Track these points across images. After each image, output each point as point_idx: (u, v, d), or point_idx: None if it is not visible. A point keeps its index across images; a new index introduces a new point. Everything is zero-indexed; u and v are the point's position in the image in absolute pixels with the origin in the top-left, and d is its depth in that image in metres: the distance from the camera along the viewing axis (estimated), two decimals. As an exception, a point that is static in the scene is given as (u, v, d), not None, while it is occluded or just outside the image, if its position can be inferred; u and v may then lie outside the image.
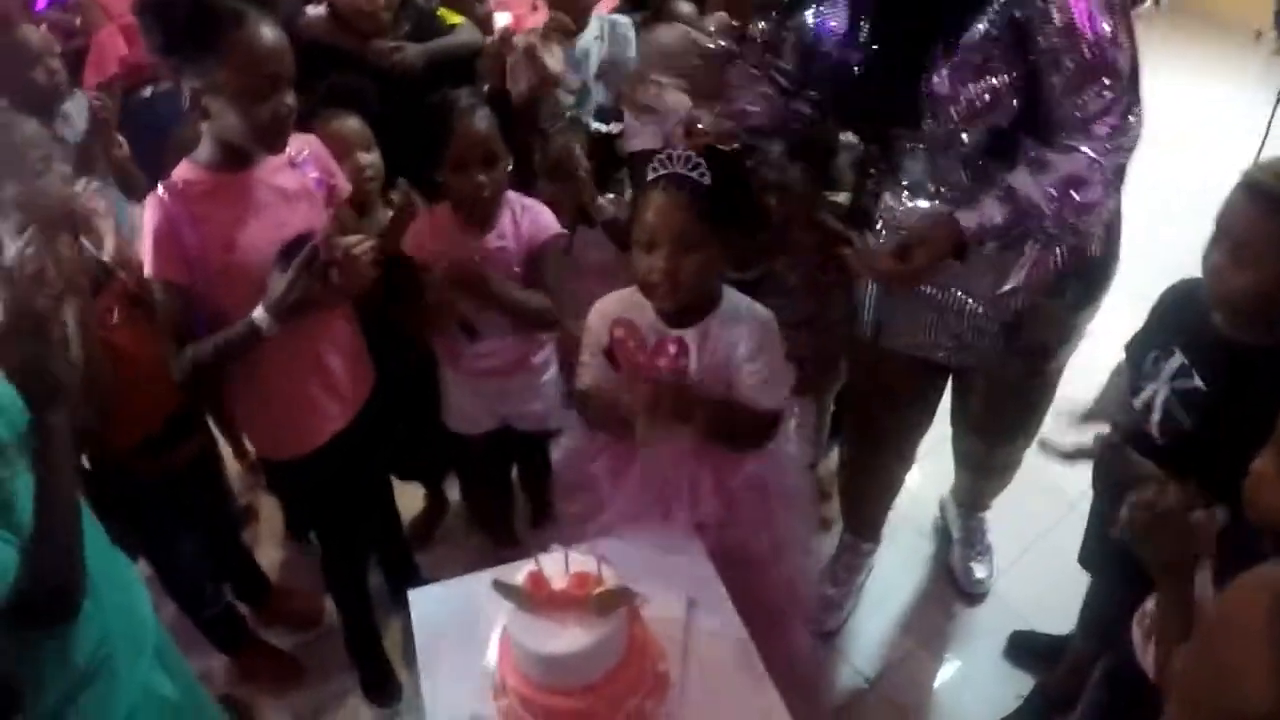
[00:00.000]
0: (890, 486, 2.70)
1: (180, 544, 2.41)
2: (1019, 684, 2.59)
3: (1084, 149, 1.79)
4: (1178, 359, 1.76)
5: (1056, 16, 1.72)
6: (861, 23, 1.93)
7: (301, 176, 2.05)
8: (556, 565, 1.51)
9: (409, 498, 3.09)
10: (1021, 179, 1.81)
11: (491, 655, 1.63)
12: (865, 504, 2.77)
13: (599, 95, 2.91)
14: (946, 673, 2.70)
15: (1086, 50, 1.74)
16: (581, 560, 1.52)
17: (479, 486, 2.93)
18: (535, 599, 1.46)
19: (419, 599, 1.87)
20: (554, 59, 2.75)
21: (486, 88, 2.49)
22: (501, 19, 3.20)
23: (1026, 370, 2.24)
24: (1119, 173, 1.87)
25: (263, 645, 2.71)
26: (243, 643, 2.67)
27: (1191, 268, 1.74)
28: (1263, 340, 1.65)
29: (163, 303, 1.95)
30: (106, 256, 2.05)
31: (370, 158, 2.41)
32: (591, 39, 2.90)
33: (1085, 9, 1.72)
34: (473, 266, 2.23)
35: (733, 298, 1.92)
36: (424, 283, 2.27)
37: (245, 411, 2.19)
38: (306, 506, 2.44)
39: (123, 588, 1.69)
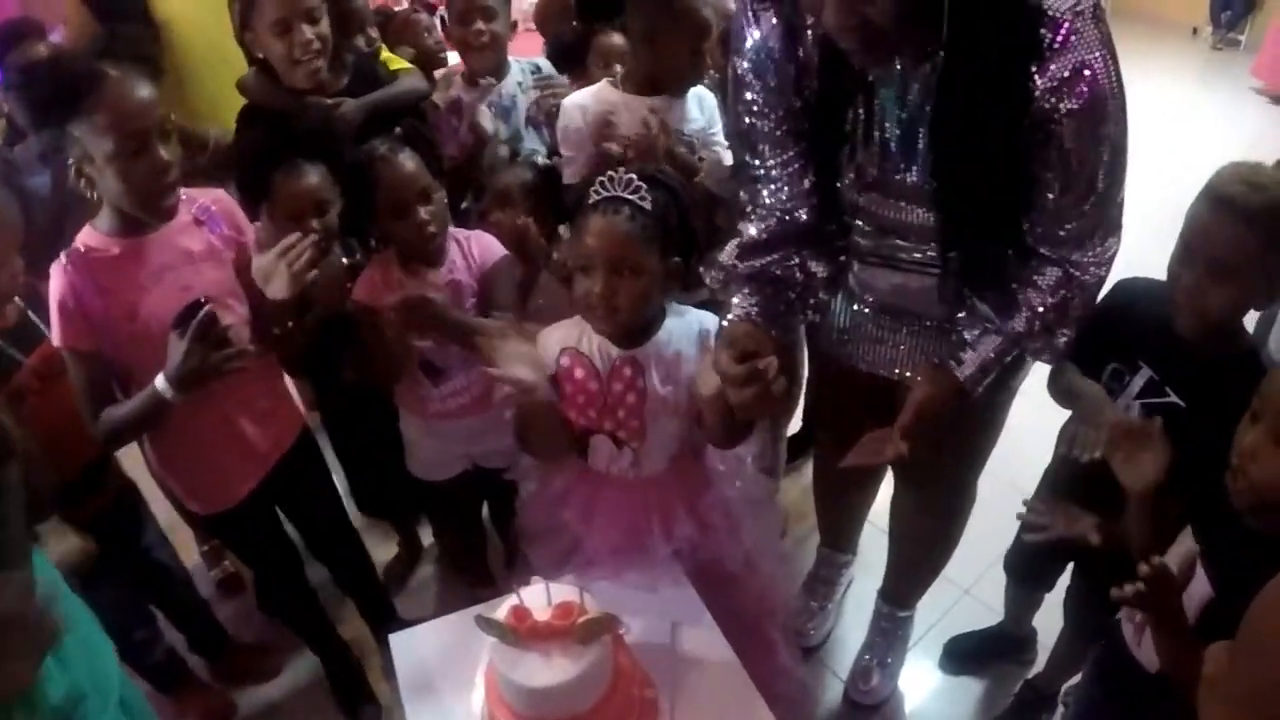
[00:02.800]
0: (864, 499, 2.69)
1: (99, 591, 2.38)
2: (1006, 684, 2.61)
3: (1070, 268, 1.69)
4: (1145, 373, 1.74)
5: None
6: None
7: (207, 236, 2.04)
8: (538, 597, 1.50)
9: (385, 545, 3.09)
10: (1013, 317, 1.75)
11: (478, 693, 1.62)
12: (840, 516, 2.76)
13: (531, 141, 2.91)
14: (933, 678, 2.71)
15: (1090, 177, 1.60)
16: (563, 591, 1.51)
17: (451, 529, 2.90)
18: (519, 632, 1.45)
19: (399, 643, 1.84)
20: (486, 119, 2.79)
21: (399, 130, 2.41)
22: (453, 57, 3.20)
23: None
24: (1100, 286, 1.76)
25: (197, 685, 2.69)
26: (178, 685, 2.64)
27: (1136, 267, 1.73)
28: (1230, 349, 1.65)
29: (73, 370, 1.94)
30: None
31: (324, 221, 2.29)
32: (514, 84, 2.90)
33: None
34: (419, 297, 2.20)
35: (677, 308, 1.92)
36: (378, 327, 2.25)
37: (164, 467, 2.18)
38: (243, 554, 2.43)
39: (85, 640, 1.65)
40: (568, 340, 1.92)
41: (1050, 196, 1.60)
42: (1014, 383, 2.04)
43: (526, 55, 3.03)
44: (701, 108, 2.57)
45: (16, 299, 2.02)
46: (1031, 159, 1.56)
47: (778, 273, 1.91)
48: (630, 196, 1.75)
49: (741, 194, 1.95)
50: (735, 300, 1.87)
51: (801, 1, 1.53)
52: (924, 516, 2.42)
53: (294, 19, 2.38)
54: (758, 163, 1.86)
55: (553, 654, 1.45)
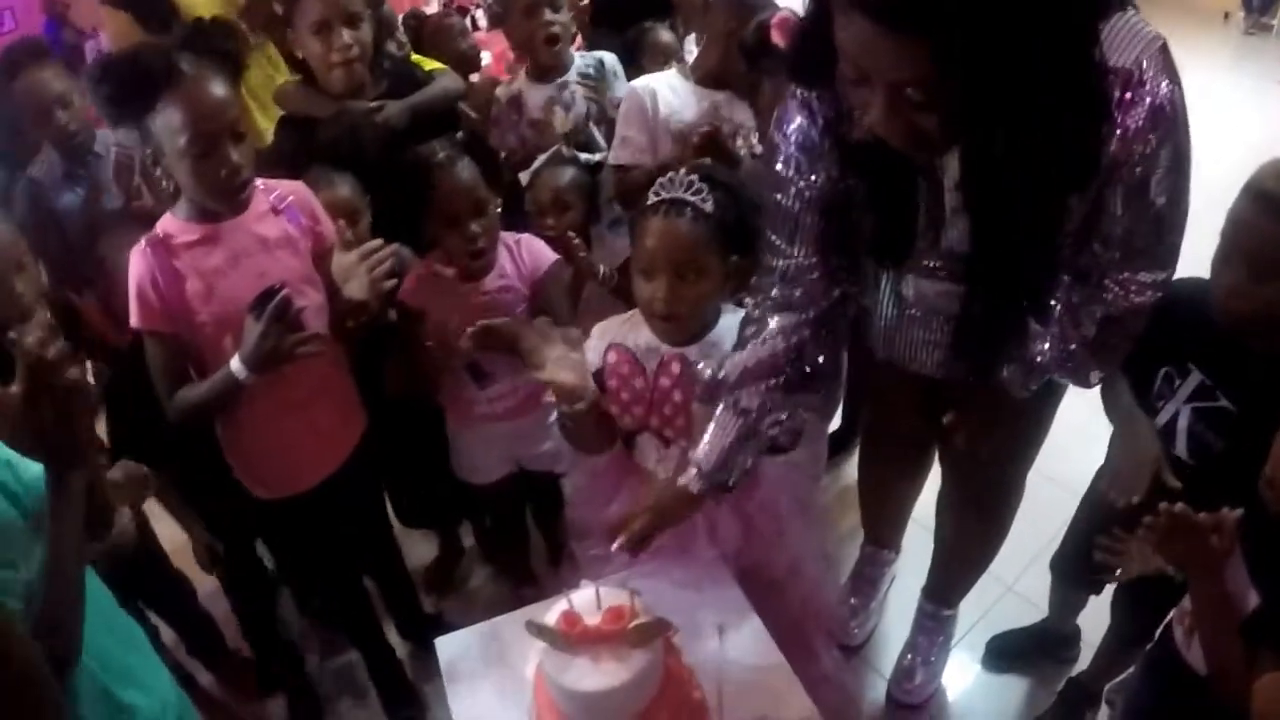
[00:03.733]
0: (908, 494, 2.67)
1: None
2: (1050, 682, 2.58)
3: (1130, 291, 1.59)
4: (1196, 377, 1.71)
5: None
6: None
7: (284, 224, 2.06)
8: (588, 602, 1.49)
9: (426, 545, 3.10)
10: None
11: (526, 697, 1.62)
12: (885, 514, 2.75)
13: (597, 137, 2.91)
14: (976, 676, 2.69)
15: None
16: (614, 595, 1.50)
17: (494, 530, 2.91)
18: (570, 637, 1.44)
19: (446, 646, 1.84)
20: (559, 120, 2.82)
21: (460, 134, 2.44)
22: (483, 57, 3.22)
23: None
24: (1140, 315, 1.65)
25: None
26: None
27: (1191, 266, 1.67)
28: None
29: (151, 351, 1.99)
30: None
31: (357, 230, 2.32)
32: (577, 77, 2.91)
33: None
34: (499, 329, 2.18)
35: (733, 308, 1.91)
36: (421, 333, 2.26)
37: (233, 450, 2.19)
38: (297, 546, 2.45)
39: (149, 659, 1.69)
40: (615, 336, 1.92)
41: (1110, 226, 1.50)
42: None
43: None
44: None
45: (47, 315, 2.07)
46: (1098, 201, 1.48)
47: (762, 403, 1.76)
48: (692, 198, 1.74)
49: (748, 304, 1.83)
50: (709, 433, 1.77)
51: (848, 99, 1.41)
52: (971, 514, 2.40)
53: (335, 20, 2.39)
54: (774, 257, 1.73)
55: (603, 658, 1.44)
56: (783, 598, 1.98)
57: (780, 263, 1.71)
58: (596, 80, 2.91)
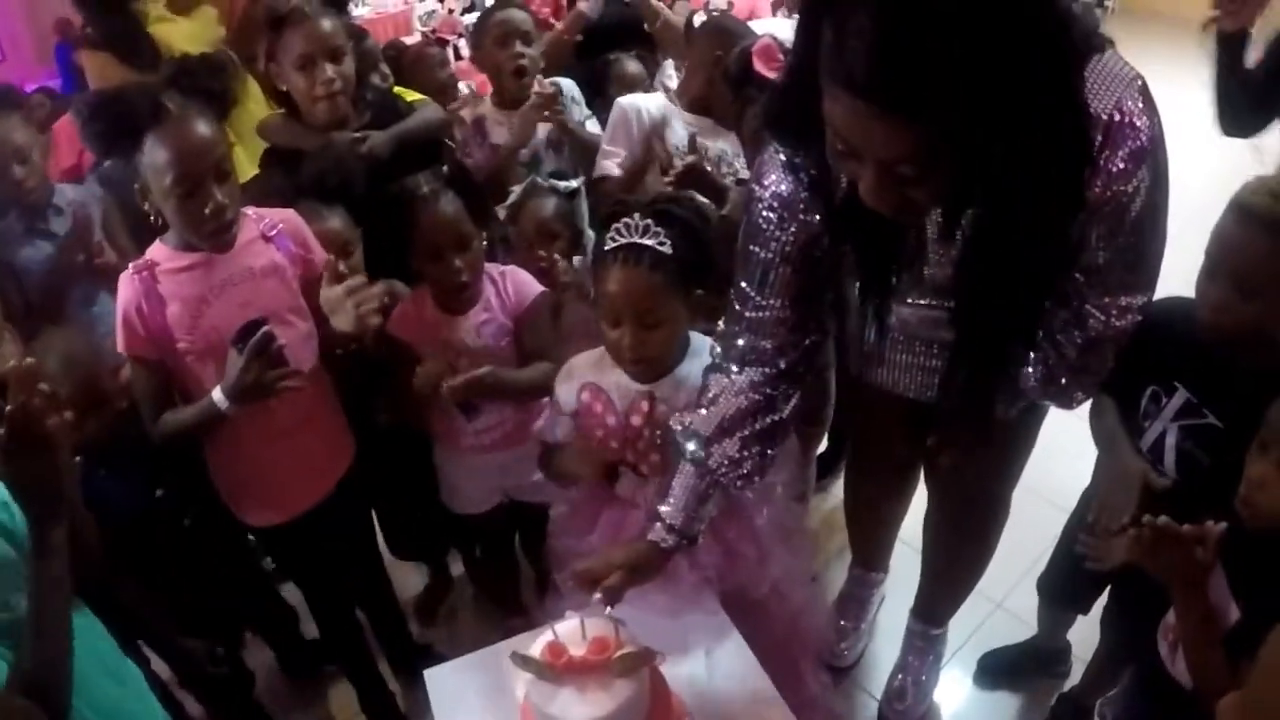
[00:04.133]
0: (895, 515, 2.68)
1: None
2: (1042, 697, 2.59)
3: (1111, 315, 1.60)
4: (1182, 395, 1.70)
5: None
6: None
7: (273, 252, 2.08)
8: (573, 632, 1.49)
9: (416, 575, 3.11)
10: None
11: (514, 728, 1.62)
12: (873, 535, 2.75)
13: (550, 163, 2.97)
14: (968, 692, 2.69)
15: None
16: (598, 624, 1.50)
17: (484, 560, 2.91)
18: (555, 668, 1.45)
19: (435, 678, 1.84)
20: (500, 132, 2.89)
21: (445, 168, 2.47)
22: (463, 87, 3.25)
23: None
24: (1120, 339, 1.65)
25: None
26: None
27: (1174, 282, 1.69)
28: (1266, 364, 1.60)
29: (135, 376, 2.02)
30: None
31: (350, 263, 2.31)
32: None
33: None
34: (482, 380, 2.18)
35: (695, 342, 1.92)
36: (409, 364, 2.26)
37: (221, 476, 2.20)
38: (290, 572, 2.46)
39: (133, 700, 1.69)
40: (587, 375, 1.93)
41: (1092, 257, 1.51)
42: None
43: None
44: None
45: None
46: (1080, 238, 1.48)
47: (730, 458, 1.73)
48: (649, 242, 1.73)
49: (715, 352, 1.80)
50: (675, 488, 1.74)
51: (835, 166, 1.38)
52: (959, 532, 2.40)
53: (318, 55, 2.41)
54: (744, 307, 1.71)
55: (589, 688, 1.44)
56: (768, 620, 1.98)
57: (751, 313, 1.69)
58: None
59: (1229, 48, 2.49)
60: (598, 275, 1.82)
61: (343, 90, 2.48)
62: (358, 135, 2.52)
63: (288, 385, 1.95)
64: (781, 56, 2.25)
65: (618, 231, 1.76)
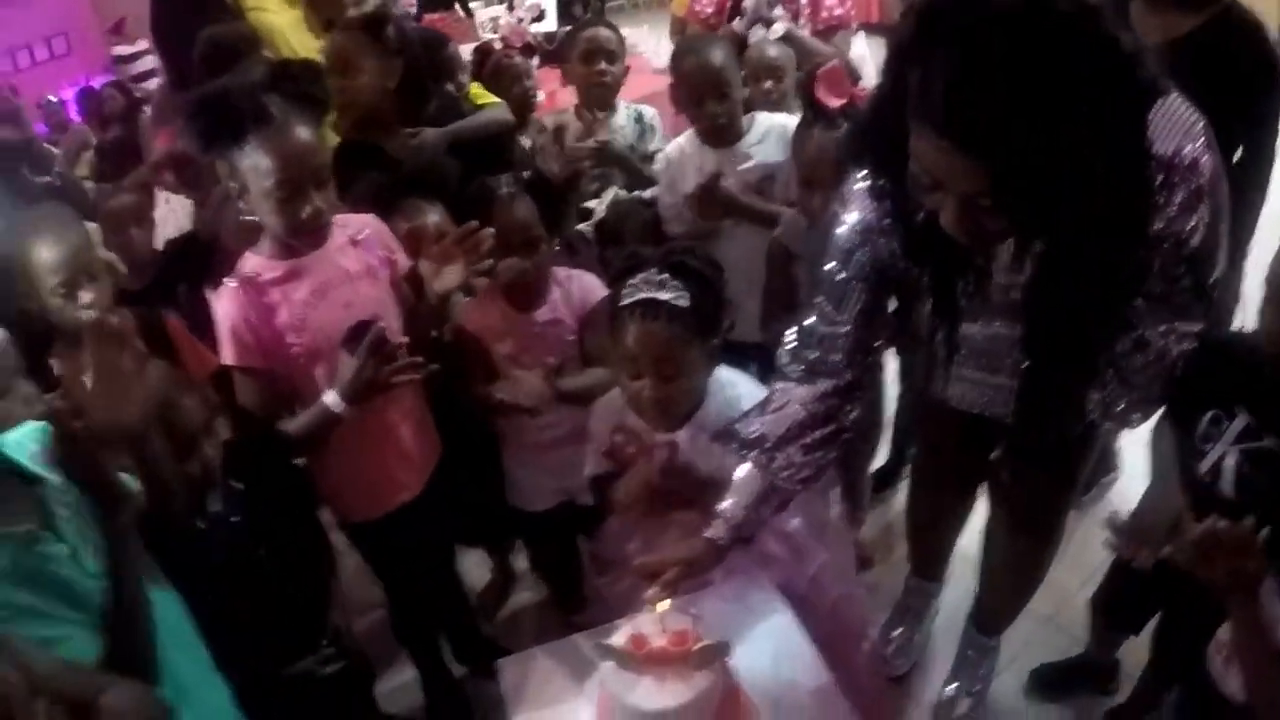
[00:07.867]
0: (956, 526, 2.71)
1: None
2: (1090, 712, 2.60)
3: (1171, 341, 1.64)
4: (1242, 419, 1.71)
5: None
6: None
7: (364, 256, 2.13)
8: (653, 624, 1.56)
9: (479, 569, 3.17)
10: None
11: (589, 716, 1.69)
12: (933, 546, 2.78)
13: (614, 181, 3.06)
14: (1017, 706, 2.70)
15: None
16: (677, 618, 1.57)
17: (547, 555, 2.97)
18: (638, 658, 1.51)
19: (508, 667, 1.90)
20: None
21: (527, 174, 2.54)
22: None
23: None
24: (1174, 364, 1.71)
25: None
26: None
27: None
28: None
29: (244, 388, 2.05)
30: None
31: None
32: (618, 126, 3.07)
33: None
34: (553, 395, 2.27)
35: (721, 378, 1.97)
36: (482, 359, 2.35)
37: (322, 474, 2.24)
38: (379, 568, 2.51)
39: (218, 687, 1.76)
40: (620, 413, 2.00)
41: (1152, 286, 1.56)
42: None
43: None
44: (764, 136, 2.74)
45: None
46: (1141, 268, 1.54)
47: (793, 464, 1.81)
48: (666, 296, 1.78)
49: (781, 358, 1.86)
50: (735, 488, 1.82)
51: (917, 196, 1.44)
52: (1019, 541, 2.43)
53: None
54: (819, 320, 1.79)
55: (667, 678, 1.50)
56: (813, 616, 2.00)
57: (825, 328, 1.77)
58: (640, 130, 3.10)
59: None
60: (616, 327, 1.87)
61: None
62: (409, 130, 2.62)
63: (405, 378, 1.99)
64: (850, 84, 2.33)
65: (633, 287, 1.81)
